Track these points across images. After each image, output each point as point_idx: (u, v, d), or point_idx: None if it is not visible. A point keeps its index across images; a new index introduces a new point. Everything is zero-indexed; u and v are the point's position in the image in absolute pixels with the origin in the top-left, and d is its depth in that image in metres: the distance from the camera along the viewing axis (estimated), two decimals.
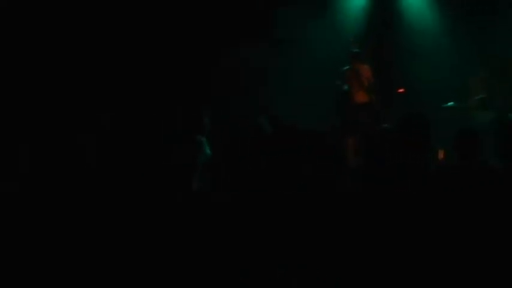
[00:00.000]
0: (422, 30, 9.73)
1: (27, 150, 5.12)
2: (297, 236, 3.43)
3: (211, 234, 3.67)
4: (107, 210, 4.02)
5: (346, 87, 8.86)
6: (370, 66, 8.89)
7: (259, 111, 7.25)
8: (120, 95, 7.90)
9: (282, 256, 3.39)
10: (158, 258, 3.65)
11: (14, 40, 7.75)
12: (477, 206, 3.38)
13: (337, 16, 9.84)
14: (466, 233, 3.32)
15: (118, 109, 7.20)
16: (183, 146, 5.08)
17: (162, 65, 8.62)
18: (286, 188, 3.74)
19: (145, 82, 8.39)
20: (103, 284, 3.53)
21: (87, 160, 4.79)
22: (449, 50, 9.46)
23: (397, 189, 3.46)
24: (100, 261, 3.63)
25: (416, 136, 3.72)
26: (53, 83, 7.79)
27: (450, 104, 8.66)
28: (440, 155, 7.43)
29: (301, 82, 9.41)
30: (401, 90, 9.35)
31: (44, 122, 6.65)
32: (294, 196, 3.63)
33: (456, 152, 4.39)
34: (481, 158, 4.53)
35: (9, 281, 3.49)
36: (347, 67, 8.90)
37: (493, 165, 4.66)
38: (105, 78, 8.13)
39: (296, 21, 9.58)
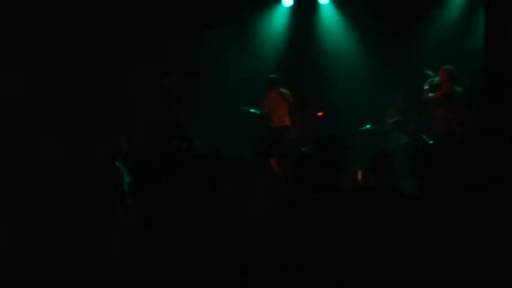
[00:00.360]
0: (341, 54, 9.90)
1: None
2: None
3: (135, 259, 3.72)
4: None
5: (264, 112, 9.08)
6: (290, 91, 9.13)
7: (176, 132, 7.29)
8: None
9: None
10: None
11: None
12: (388, 225, 3.57)
13: (256, 40, 10.13)
14: (380, 249, 3.51)
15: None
16: (103, 173, 5.09)
17: (71, 84, 8.25)
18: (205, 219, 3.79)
19: (54, 103, 7.93)
20: None
21: None
22: (368, 74, 9.68)
23: (316, 207, 3.65)
24: None
25: (334, 158, 3.93)
26: None
27: (367, 127, 9.00)
28: (359, 175, 7.66)
29: (221, 104, 9.56)
30: (320, 113, 9.62)
31: None
32: (214, 226, 3.70)
33: (372, 173, 4.60)
34: (395, 179, 4.76)
35: None
36: (268, 92, 9.10)
37: (406, 187, 4.91)
38: None
39: (216, 44, 9.77)
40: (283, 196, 4.25)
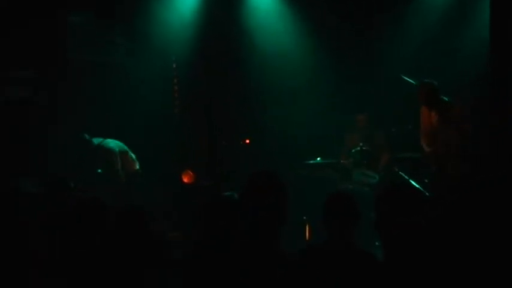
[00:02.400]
0: (280, 55, 9.95)
1: None
2: None
3: None
4: None
5: None
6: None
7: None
8: None
9: None
10: None
11: None
12: None
13: (152, 34, 9.86)
14: None
15: None
16: None
17: None
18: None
19: None
20: None
21: None
22: (318, 83, 9.77)
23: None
24: None
25: (267, 205, 3.72)
26: None
27: (317, 160, 8.82)
28: (306, 231, 7.53)
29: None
30: (246, 141, 9.45)
31: None
32: None
33: (325, 227, 4.38)
34: (363, 237, 4.64)
35: None
36: None
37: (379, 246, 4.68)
38: None
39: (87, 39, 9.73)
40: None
